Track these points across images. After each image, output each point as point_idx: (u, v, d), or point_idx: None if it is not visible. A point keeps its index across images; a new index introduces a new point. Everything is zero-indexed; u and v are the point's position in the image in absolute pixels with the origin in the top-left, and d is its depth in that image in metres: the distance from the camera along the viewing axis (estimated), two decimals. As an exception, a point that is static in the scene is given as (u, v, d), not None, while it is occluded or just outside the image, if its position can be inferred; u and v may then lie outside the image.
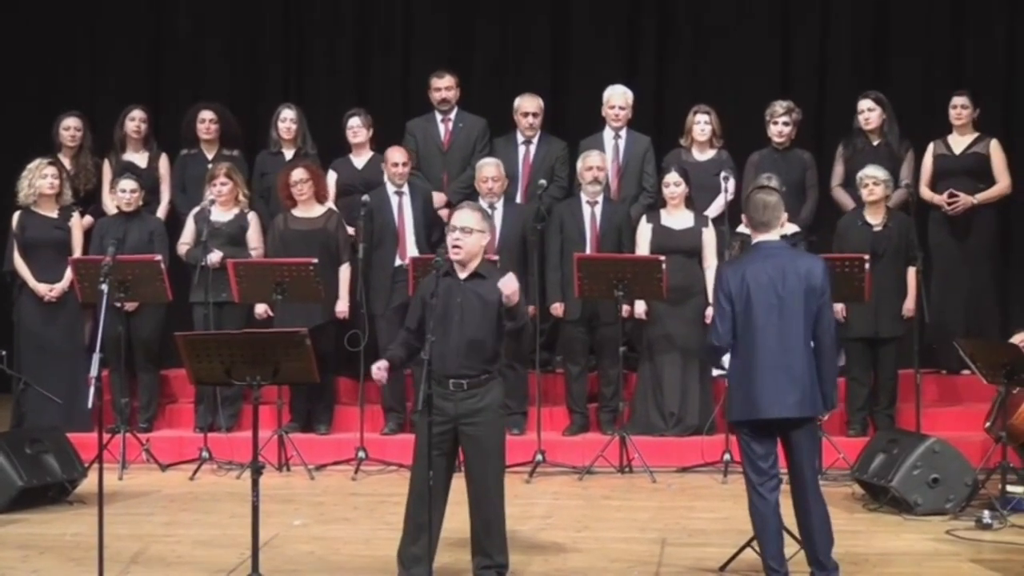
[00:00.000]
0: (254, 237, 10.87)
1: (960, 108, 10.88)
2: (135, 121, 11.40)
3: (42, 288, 10.69)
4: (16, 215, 10.79)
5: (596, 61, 12.58)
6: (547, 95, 11.61)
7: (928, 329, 10.47)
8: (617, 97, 11.13)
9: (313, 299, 10.25)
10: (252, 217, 10.92)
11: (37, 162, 10.77)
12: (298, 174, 10.65)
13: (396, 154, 10.77)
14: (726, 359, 6.94)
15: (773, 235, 6.89)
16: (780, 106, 10.96)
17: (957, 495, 8.67)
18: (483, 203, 10.25)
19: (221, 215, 10.78)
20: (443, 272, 6.95)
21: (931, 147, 10.99)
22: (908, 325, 10.27)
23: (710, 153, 11.02)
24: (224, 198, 10.75)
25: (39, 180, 10.68)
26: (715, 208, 10.73)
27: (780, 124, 10.92)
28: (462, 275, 7.02)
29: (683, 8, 12.79)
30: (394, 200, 10.74)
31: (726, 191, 10.34)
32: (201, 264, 10.43)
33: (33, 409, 10.46)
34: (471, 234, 6.99)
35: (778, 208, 6.90)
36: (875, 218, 10.29)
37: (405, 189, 10.76)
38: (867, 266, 9.64)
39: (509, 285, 6.84)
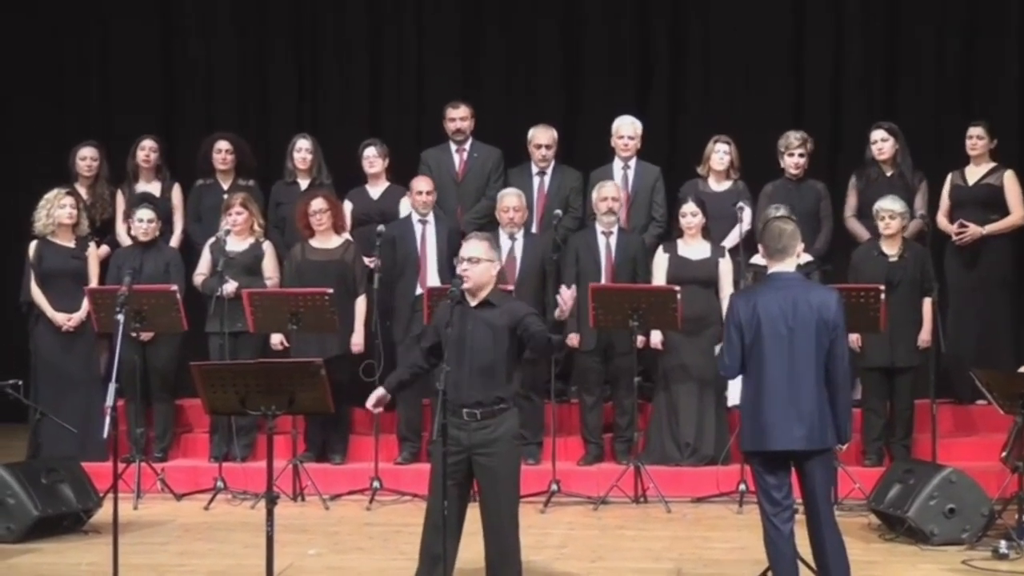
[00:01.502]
0: (269, 266, 10.89)
1: (976, 139, 10.89)
2: (144, 151, 11.44)
3: (60, 318, 10.71)
4: (33, 245, 10.82)
5: (609, 92, 12.62)
6: (560, 125, 11.63)
7: (944, 359, 10.45)
8: (626, 127, 11.15)
9: (328, 330, 10.26)
10: (267, 246, 10.95)
11: (55, 192, 10.80)
12: (318, 204, 10.67)
13: (421, 183, 10.79)
14: (734, 391, 6.92)
15: (789, 264, 6.88)
16: (795, 138, 10.96)
17: (973, 525, 8.65)
18: (503, 233, 10.30)
19: (236, 245, 10.80)
20: (457, 300, 6.97)
21: (949, 177, 11.01)
22: (924, 355, 10.25)
23: (727, 184, 11.03)
24: (239, 228, 10.78)
25: (57, 210, 10.71)
26: (731, 239, 10.74)
27: (796, 156, 10.93)
28: (473, 303, 7.03)
29: (695, 38, 12.83)
30: (418, 229, 10.75)
31: (741, 221, 10.34)
32: (217, 294, 10.46)
33: (49, 439, 10.47)
34: (478, 264, 7.01)
35: (795, 236, 6.90)
36: (891, 249, 10.28)
37: (429, 218, 10.77)
38: (883, 296, 9.63)
39: (570, 300, 6.94)
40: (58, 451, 10.17)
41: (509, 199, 10.58)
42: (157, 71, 13.28)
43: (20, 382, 9.70)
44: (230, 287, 10.51)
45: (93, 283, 10.71)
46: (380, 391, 7.29)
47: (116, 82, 13.27)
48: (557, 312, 6.98)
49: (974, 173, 10.96)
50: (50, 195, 10.78)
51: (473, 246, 7.09)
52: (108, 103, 13.25)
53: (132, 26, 13.23)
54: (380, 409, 7.41)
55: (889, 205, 10.26)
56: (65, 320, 10.71)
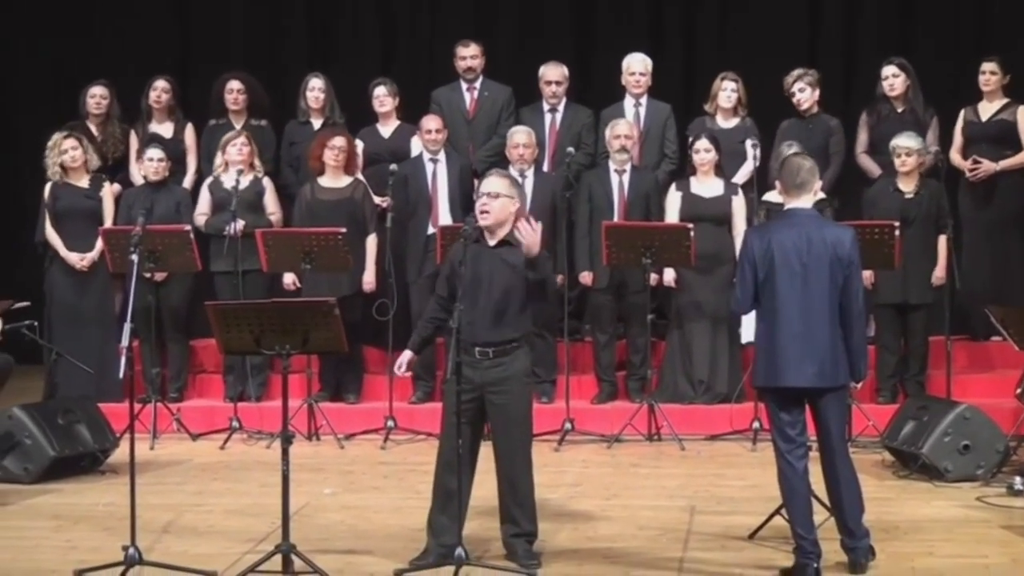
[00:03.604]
0: (271, 202, 10.89)
1: (989, 74, 10.82)
2: (156, 91, 11.42)
3: (74, 257, 10.72)
4: (48, 186, 10.81)
5: (621, 28, 12.55)
6: (572, 63, 11.57)
7: (958, 296, 10.43)
8: (637, 64, 11.10)
9: (342, 268, 10.27)
10: (267, 182, 10.94)
11: (55, 138, 10.78)
12: (339, 140, 10.62)
13: (430, 121, 10.77)
14: (748, 328, 6.89)
15: (806, 201, 6.85)
16: (792, 77, 10.89)
17: (988, 462, 8.66)
18: (513, 171, 10.24)
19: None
20: (472, 239, 6.95)
21: (962, 113, 10.95)
22: (938, 292, 10.23)
23: (734, 121, 10.98)
24: (244, 159, 10.73)
25: (59, 156, 10.70)
26: (741, 175, 10.71)
27: (798, 93, 10.85)
28: (491, 242, 7.01)
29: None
30: (428, 168, 10.74)
31: (755, 159, 10.29)
32: (228, 233, 10.45)
33: (65, 379, 10.51)
34: (498, 199, 6.98)
35: (813, 172, 6.87)
36: (907, 185, 10.25)
37: (440, 157, 10.75)
38: (897, 233, 9.60)
39: (529, 234, 6.78)
40: (74, 391, 10.21)
41: (519, 136, 10.55)
42: (170, 8, 13.23)
43: (36, 323, 9.73)
44: (238, 225, 10.48)
45: (108, 223, 10.70)
46: (408, 354, 7.26)
47: (130, 20, 13.18)
48: (524, 249, 6.86)
49: (987, 109, 10.90)
50: (51, 142, 10.77)
51: (493, 182, 7.06)
52: (122, 42, 13.17)
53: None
54: (409, 372, 7.35)
55: (905, 142, 10.22)
56: (79, 260, 10.72)
